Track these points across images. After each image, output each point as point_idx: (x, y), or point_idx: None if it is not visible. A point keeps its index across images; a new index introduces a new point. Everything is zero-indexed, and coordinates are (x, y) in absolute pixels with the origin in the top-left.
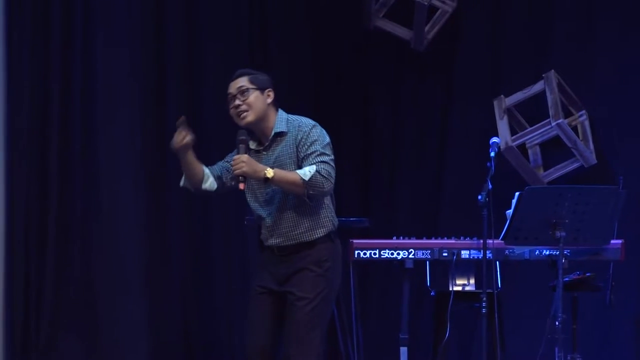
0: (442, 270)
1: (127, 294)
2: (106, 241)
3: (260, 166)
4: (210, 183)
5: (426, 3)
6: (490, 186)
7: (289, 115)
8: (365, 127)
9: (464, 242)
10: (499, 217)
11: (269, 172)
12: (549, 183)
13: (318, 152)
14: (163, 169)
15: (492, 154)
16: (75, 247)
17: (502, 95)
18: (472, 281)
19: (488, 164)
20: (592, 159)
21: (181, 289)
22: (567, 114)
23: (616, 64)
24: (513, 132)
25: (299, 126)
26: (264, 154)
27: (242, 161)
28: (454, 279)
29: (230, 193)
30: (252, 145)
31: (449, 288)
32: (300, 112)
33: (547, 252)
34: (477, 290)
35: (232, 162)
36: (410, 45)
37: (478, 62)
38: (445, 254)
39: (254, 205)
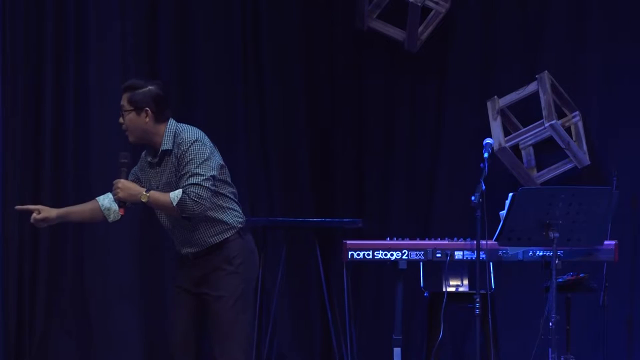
0: (435, 271)
1: (121, 295)
2: (99, 243)
3: (136, 189)
4: (114, 214)
5: (419, 4)
6: (483, 187)
7: (178, 127)
8: (358, 128)
9: (457, 243)
10: (493, 217)
11: (144, 197)
12: (543, 184)
13: (190, 173)
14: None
15: (486, 154)
16: (68, 250)
17: (495, 96)
18: (465, 282)
19: (481, 164)
20: (586, 159)
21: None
22: (561, 115)
23: (609, 65)
24: (506, 133)
25: (180, 143)
26: (158, 169)
27: (118, 187)
28: (447, 279)
29: None
30: (149, 158)
31: (442, 289)
32: (293, 113)
33: (541, 253)
34: (470, 291)
35: (115, 185)
36: (403, 46)
37: (471, 63)
38: (438, 255)
39: (162, 220)
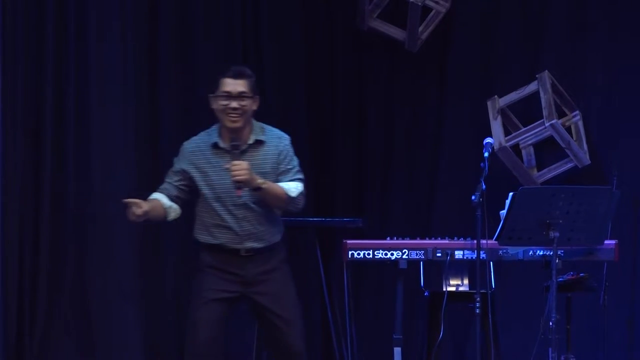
0: (436, 271)
1: (121, 296)
2: (100, 244)
3: (254, 175)
4: (175, 212)
5: (420, 3)
6: (484, 186)
7: (260, 124)
8: (358, 127)
9: (457, 242)
10: (493, 217)
11: (263, 183)
12: (543, 183)
13: (296, 169)
14: (156, 169)
15: (486, 154)
16: (68, 250)
17: (495, 96)
18: (466, 281)
19: (482, 164)
20: (586, 159)
21: (175, 291)
22: (561, 115)
23: (610, 65)
24: (507, 132)
25: (279, 138)
26: (239, 158)
27: (244, 169)
28: (447, 279)
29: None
30: (223, 144)
31: (442, 288)
32: (294, 113)
33: (541, 253)
34: (471, 291)
35: (231, 167)
36: (404, 46)
37: (472, 63)
38: (439, 255)
39: (221, 211)
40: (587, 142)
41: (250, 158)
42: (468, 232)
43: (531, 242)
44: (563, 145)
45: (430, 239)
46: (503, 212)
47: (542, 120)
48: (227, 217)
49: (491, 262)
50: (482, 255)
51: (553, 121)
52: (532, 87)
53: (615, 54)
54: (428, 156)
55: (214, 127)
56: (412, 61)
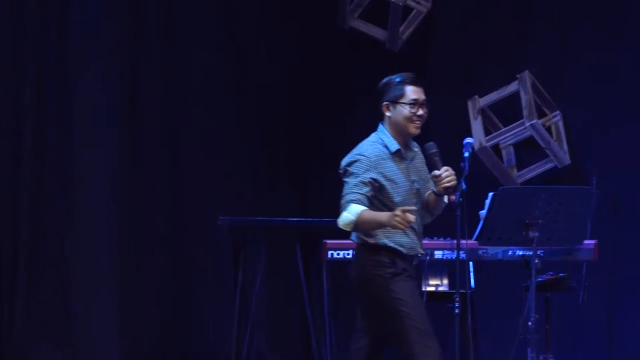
0: (417, 270)
1: (101, 296)
2: (80, 245)
3: None
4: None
5: (401, 3)
6: (464, 186)
7: None
8: (340, 127)
9: (437, 242)
10: (473, 217)
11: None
12: (523, 183)
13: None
14: (136, 171)
15: (466, 154)
16: (48, 249)
17: (476, 96)
18: (445, 281)
19: (462, 164)
20: (566, 159)
21: (155, 291)
22: (541, 115)
23: (590, 65)
24: (487, 132)
25: (418, 146)
26: (405, 164)
27: (452, 175)
28: (427, 279)
29: (203, 192)
30: (396, 152)
31: (422, 288)
32: (275, 113)
33: (521, 253)
34: (450, 291)
35: (442, 175)
36: (385, 46)
37: (452, 63)
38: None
39: (416, 217)
40: (567, 142)
41: (417, 164)
42: (448, 232)
43: (511, 242)
44: (543, 145)
45: None
46: (483, 212)
47: (522, 120)
48: (414, 223)
49: (471, 262)
50: (462, 255)
51: (533, 121)
52: (512, 87)
53: (596, 54)
54: None
55: (379, 135)
56: (393, 61)
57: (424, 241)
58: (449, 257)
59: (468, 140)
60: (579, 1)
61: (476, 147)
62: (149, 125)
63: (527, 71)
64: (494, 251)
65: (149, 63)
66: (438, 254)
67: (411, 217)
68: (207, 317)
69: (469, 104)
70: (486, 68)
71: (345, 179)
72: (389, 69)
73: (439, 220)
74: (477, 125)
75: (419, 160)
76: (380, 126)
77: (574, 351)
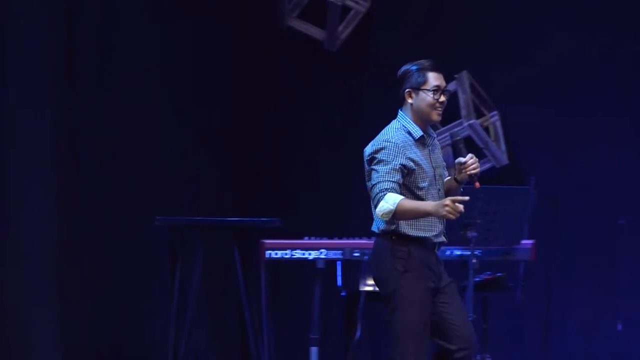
0: (353, 270)
1: (36, 297)
2: (13, 244)
3: None
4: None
5: (339, 3)
6: None
7: None
8: (277, 126)
9: None
10: None
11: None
12: None
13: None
14: (73, 171)
15: None
16: None
17: None
18: None
19: None
20: (504, 159)
21: (93, 293)
22: (479, 115)
23: (529, 65)
24: None
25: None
26: (427, 150)
27: (476, 162)
28: (365, 278)
29: (142, 192)
30: (418, 138)
31: (359, 288)
32: (213, 112)
33: (459, 253)
34: None
35: (467, 162)
36: (323, 46)
37: (391, 62)
38: (356, 254)
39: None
40: (505, 142)
41: (436, 151)
42: None
43: (449, 241)
44: (481, 145)
45: (347, 238)
46: None
47: (460, 120)
48: None
49: None
50: None
51: (471, 121)
52: (450, 86)
53: (534, 53)
54: (346, 155)
55: (401, 122)
56: (332, 61)
57: (365, 241)
58: None
59: None
60: (516, 1)
61: None
62: (86, 124)
63: (465, 71)
64: None
65: (84, 63)
66: None
67: (461, 207)
68: (145, 318)
69: None
70: None
71: (374, 167)
72: (328, 69)
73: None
74: None
75: (437, 147)
76: (401, 113)
77: (511, 350)
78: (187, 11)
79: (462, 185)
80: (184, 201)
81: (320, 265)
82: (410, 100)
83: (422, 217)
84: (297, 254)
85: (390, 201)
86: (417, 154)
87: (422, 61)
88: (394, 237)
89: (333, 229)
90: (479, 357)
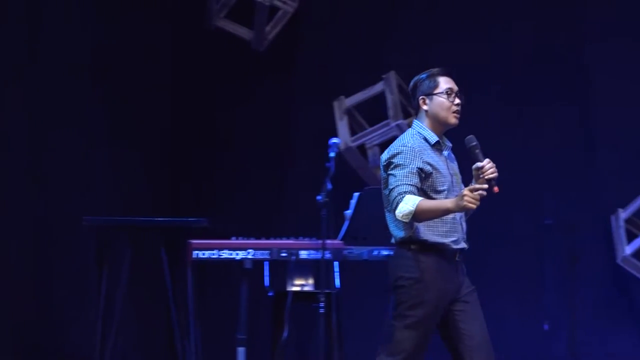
0: (281, 271)
1: None
2: None
3: None
4: None
5: (267, 3)
6: (329, 186)
7: None
8: (206, 126)
9: (302, 242)
10: (339, 217)
11: None
12: None
13: None
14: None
15: (332, 154)
16: None
17: (342, 96)
18: (310, 281)
19: (327, 164)
20: None
21: (19, 295)
22: (407, 115)
23: (456, 64)
24: (353, 132)
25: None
26: (442, 157)
27: (494, 167)
28: (292, 279)
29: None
30: (434, 144)
31: (287, 288)
32: (140, 112)
33: (386, 252)
34: (315, 290)
35: (485, 166)
36: (251, 46)
37: (319, 63)
38: (284, 254)
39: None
40: None
41: (451, 159)
42: (313, 232)
43: (376, 242)
44: None
45: (275, 238)
46: (348, 212)
47: (388, 121)
48: (456, 215)
49: (336, 262)
50: (327, 255)
51: (399, 121)
52: (378, 87)
53: (462, 53)
54: (275, 156)
55: (416, 129)
56: (260, 61)
57: (289, 241)
58: (315, 257)
59: (334, 140)
60: (443, 2)
61: (342, 147)
62: (11, 123)
63: (393, 71)
64: (359, 251)
65: (10, 61)
66: (303, 254)
67: (479, 195)
68: (72, 319)
69: (335, 104)
70: (353, 68)
71: (391, 172)
72: (256, 69)
73: (304, 220)
74: (342, 125)
75: (452, 156)
76: (416, 122)
77: (438, 351)
78: (123, 10)
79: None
80: (114, 202)
81: (248, 265)
82: (425, 107)
83: (443, 215)
84: (225, 254)
85: (409, 202)
86: (433, 158)
87: (432, 69)
88: (412, 247)
89: (262, 229)
90: None
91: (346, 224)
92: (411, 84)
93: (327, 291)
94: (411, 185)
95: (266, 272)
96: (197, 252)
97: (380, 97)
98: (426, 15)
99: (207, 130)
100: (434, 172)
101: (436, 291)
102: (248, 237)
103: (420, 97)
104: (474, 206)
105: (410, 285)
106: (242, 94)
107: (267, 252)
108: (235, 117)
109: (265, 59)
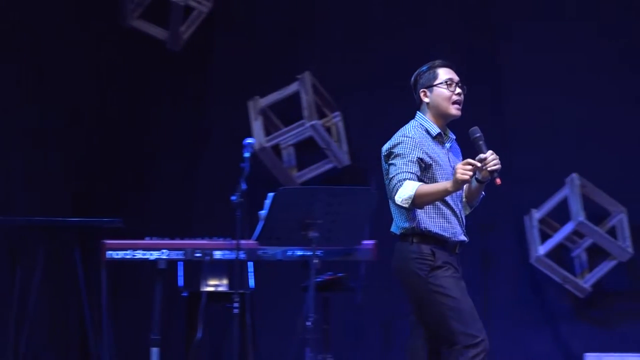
0: (196, 271)
1: None
2: None
3: None
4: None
5: (182, 3)
6: (244, 187)
7: None
8: (120, 127)
9: (217, 242)
10: (253, 217)
11: None
12: (303, 184)
13: None
14: None
15: (247, 154)
16: None
17: (257, 96)
18: (225, 281)
19: (242, 164)
20: (346, 160)
21: None
22: (322, 115)
23: (372, 65)
24: (268, 132)
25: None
26: (444, 149)
27: (497, 158)
28: (206, 279)
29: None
30: (435, 136)
31: (201, 288)
32: (55, 111)
33: (300, 253)
34: (229, 291)
35: (488, 158)
36: (165, 46)
37: (234, 63)
38: (198, 255)
39: (450, 200)
40: (348, 143)
41: (454, 152)
42: (228, 232)
43: (290, 242)
44: (323, 146)
45: (189, 239)
46: (263, 212)
47: (302, 121)
48: (455, 208)
49: (250, 262)
50: (242, 255)
51: (313, 122)
52: (293, 87)
53: (380, 53)
54: (189, 156)
55: (418, 121)
56: (174, 61)
57: (203, 241)
58: (229, 257)
59: (248, 140)
60: (358, 2)
61: (256, 147)
62: None
63: (308, 72)
64: (273, 251)
65: None
66: (217, 254)
67: (471, 165)
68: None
69: (250, 104)
70: (268, 68)
71: (391, 161)
72: (170, 69)
73: (219, 221)
74: (257, 125)
75: (456, 148)
76: (418, 114)
77: (353, 351)
78: (34, 11)
79: (485, 184)
80: (32, 202)
81: (162, 265)
82: (426, 100)
83: (443, 196)
84: (139, 254)
85: (408, 187)
86: (434, 150)
87: (432, 61)
88: (414, 240)
89: (176, 229)
90: (320, 357)
91: (260, 224)
92: (412, 77)
93: (241, 291)
94: (411, 173)
95: (180, 272)
96: (111, 252)
97: (295, 98)
98: (343, 14)
99: (122, 130)
100: (433, 164)
101: (451, 271)
102: (162, 237)
103: (421, 90)
104: (467, 177)
105: (425, 276)
106: (157, 93)
107: (181, 252)
108: (150, 117)
109: (180, 59)
